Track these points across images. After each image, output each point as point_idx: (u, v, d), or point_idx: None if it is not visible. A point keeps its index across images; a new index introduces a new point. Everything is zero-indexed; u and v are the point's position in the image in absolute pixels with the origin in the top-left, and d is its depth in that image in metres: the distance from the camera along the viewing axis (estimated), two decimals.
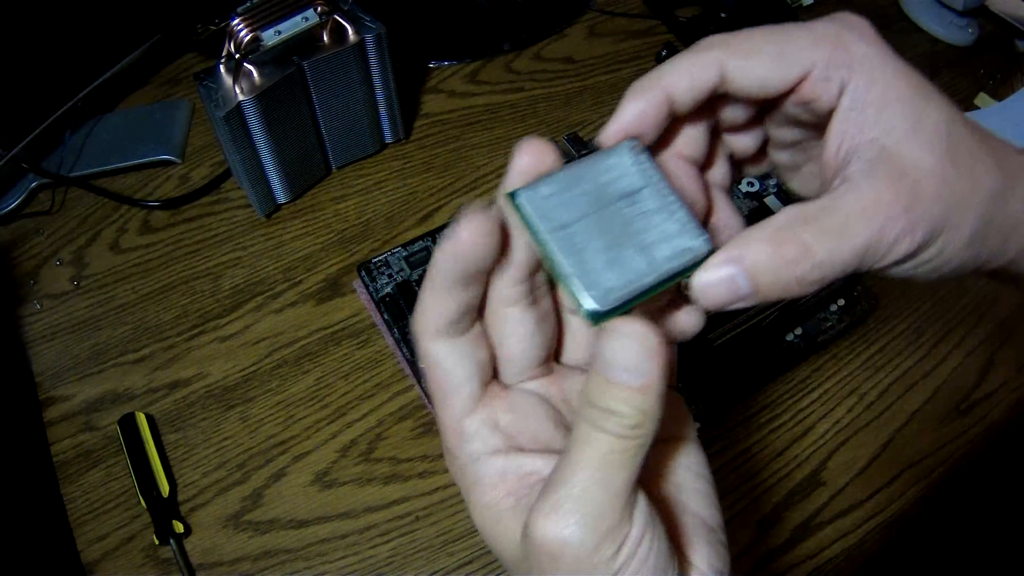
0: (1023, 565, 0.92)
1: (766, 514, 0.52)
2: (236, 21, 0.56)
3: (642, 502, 0.21)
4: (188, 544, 0.50)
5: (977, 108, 0.76)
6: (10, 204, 0.65)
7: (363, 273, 0.61)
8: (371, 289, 0.60)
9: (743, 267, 0.21)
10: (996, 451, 0.57)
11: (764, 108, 0.26)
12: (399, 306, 0.58)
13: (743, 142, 0.27)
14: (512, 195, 0.21)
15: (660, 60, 0.76)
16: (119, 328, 0.59)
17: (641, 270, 0.21)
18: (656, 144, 0.24)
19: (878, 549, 0.52)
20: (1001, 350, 0.60)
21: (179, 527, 0.49)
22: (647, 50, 0.78)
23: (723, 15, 0.77)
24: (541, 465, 0.23)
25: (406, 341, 0.57)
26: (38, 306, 0.61)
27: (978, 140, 0.24)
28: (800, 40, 0.24)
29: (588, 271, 0.20)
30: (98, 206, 0.66)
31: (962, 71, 0.79)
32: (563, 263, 0.20)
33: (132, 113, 0.72)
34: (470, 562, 0.50)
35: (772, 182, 0.66)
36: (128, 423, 0.53)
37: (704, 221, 0.25)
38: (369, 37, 0.59)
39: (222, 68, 0.57)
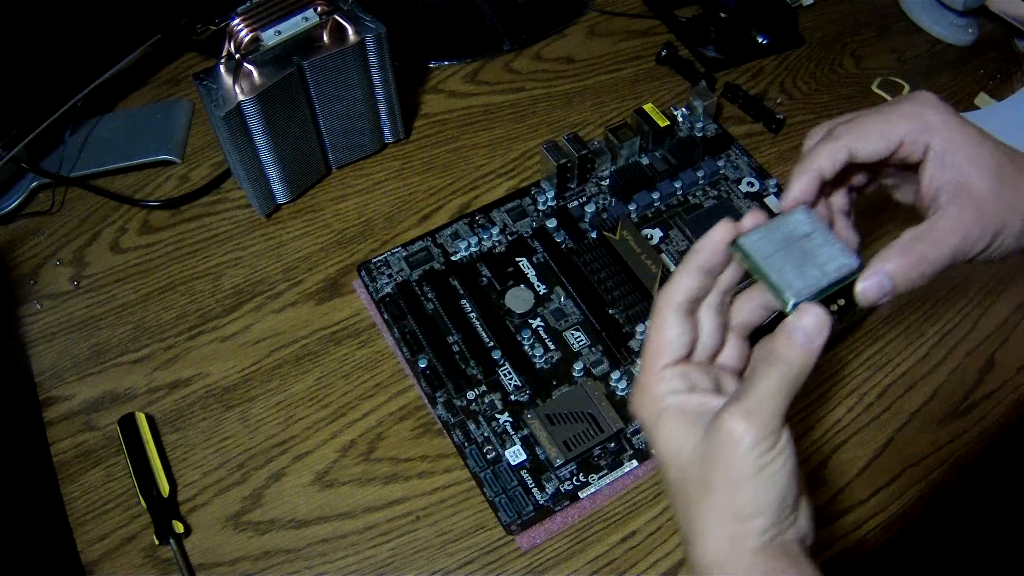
0: (1023, 565, 0.92)
1: None
2: (236, 21, 0.56)
3: (786, 428, 0.32)
4: (188, 544, 0.50)
5: (977, 108, 0.76)
6: (10, 204, 0.65)
7: (363, 273, 0.61)
8: (371, 289, 0.60)
9: (887, 273, 0.35)
10: (996, 451, 0.57)
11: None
12: (399, 306, 0.58)
13: (859, 180, 0.41)
14: (735, 242, 0.35)
15: (660, 60, 0.76)
16: (119, 328, 0.59)
17: (818, 278, 0.34)
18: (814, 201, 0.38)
19: (878, 549, 0.52)
20: (1001, 350, 0.60)
21: (179, 527, 0.49)
22: (647, 50, 0.78)
23: (723, 15, 0.77)
24: (710, 401, 0.34)
25: (406, 341, 0.57)
26: (38, 306, 0.61)
27: (1016, 163, 0.37)
28: (895, 120, 0.37)
29: (786, 280, 0.34)
30: (98, 206, 0.66)
31: (962, 71, 0.79)
32: (772, 276, 0.34)
33: (132, 113, 0.72)
34: (470, 562, 0.50)
35: (772, 182, 0.66)
36: (128, 423, 0.53)
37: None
38: (369, 37, 0.59)
39: (222, 68, 0.57)
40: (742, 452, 0.31)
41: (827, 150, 0.37)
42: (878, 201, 0.47)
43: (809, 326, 0.32)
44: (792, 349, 0.32)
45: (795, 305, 0.33)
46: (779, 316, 0.35)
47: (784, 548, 0.32)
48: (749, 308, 0.38)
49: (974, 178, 0.36)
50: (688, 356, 0.36)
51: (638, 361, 0.56)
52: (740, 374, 0.38)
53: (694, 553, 0.33)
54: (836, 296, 0.34)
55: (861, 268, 0.35)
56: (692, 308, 0.36)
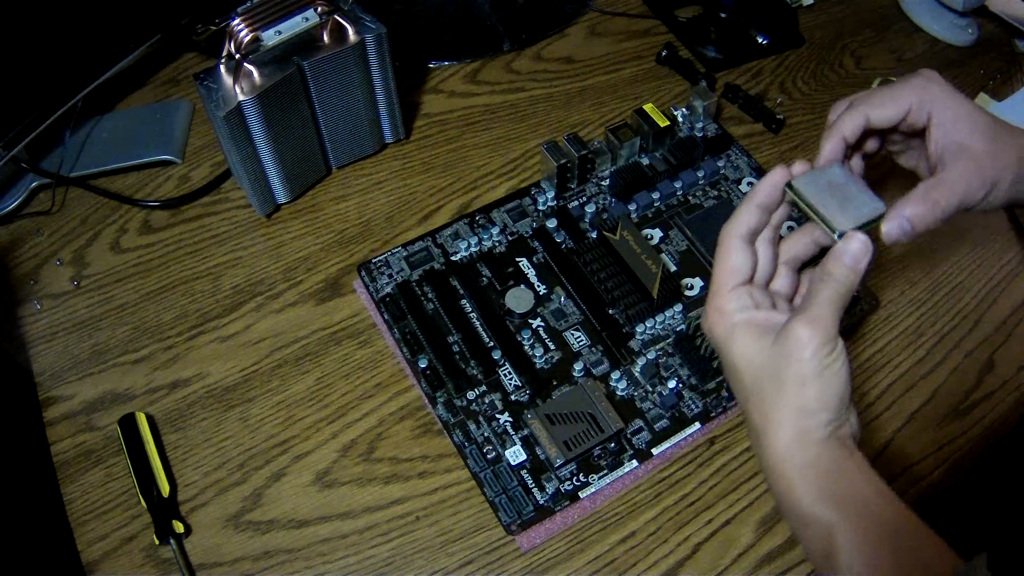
0: (1023, 565, 0.92)
1: (766, 514, 0.52)
2: (236, 21, 0.56)
3: (840, 339, 0.38)
4: (188, 544, 0.50)
5: None
6: (10, 204, 0.65)
7: (363, 273, 0.61)
8: (371, 289, 0.60)
9: (906, 217, 0.42)
10: (996, 451, 0.57)
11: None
12: (399, 306, 0.58)
13: (871, 146, 0.48)
14: (790, 184, 0.42)
15: (660, 60, 0.76)
16: (119, 328, 0.59)
17: (857, 215, 0.41)
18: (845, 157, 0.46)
19: None
20: (1001, 350, 0.60)
21: (179, 527, 0.49)
22: (647, 50, 0.78)
23: (723, 15, 0.77)
24: (774, 316, 0.41)
25: (406, 341, 0.57)
26: (38, 306, 0.61)
27: (1007, 129, 0.45)
28: (904, 92, 0.44)
29: (833, 215, 0.41)
30: (98, 206, 0.66)
31: (962, 71, 0.79)
32: (822, 211, 0.41)
33: (132, 113, 0.72)
34: (470, 562, 0.50)
35: None
36: (128, 423, 0.53)
37: None
38: (369, 37, 0.59)
39: (222, 68, 0.57)
40: (809, 354, 0.37)
41: (849, 117, 0.44)
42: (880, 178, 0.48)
43: (856, 249, 0.39)
44: (842, 269, 0.39)
45: (842, 234, 0.41)
46: (822, 252, 0.43)
47: (842, 441, 0.38)
48: (800, 243, 0.44)
49: (973, 141, 0.43)
50: (751, 280, 0.42)
51: (638, 361, 0.56)
52: (790, 300, 0.44)
53: (767, 448, 0.39)
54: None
55: (886, 211, 0.42)
56: (751, 239, 0.43)
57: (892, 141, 0.49)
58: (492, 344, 0.56)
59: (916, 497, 0.53)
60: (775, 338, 0.39)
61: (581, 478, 0.51)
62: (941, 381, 0.58)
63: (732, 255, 0.42)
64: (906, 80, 0.45)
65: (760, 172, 0.67)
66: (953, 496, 0.55)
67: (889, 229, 0.42)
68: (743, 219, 0.42)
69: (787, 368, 0.38)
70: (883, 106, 0.44)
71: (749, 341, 0.40)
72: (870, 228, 0.42)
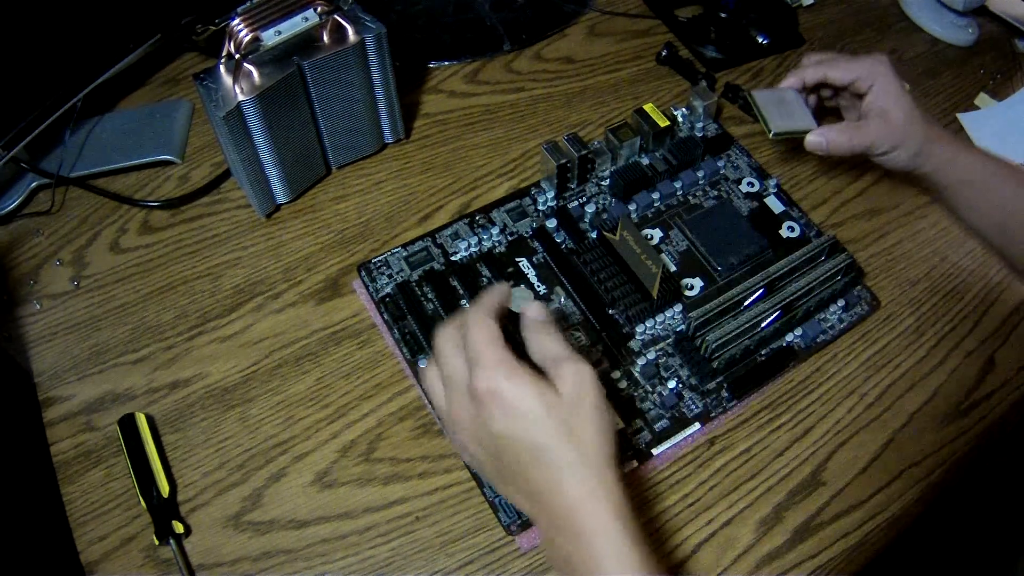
0: (1023, 565, 0.92)
1: (766, 514, 0.52)
2: (236, 21, 0.56)
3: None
4: (188, 544, 0.50)
5: (977, 108, 0.76)
6: (10, 204, 0.65)
7: (363, 273, 0.61)
8: (371, 289, 0.60)
9: (826, 138, 0.60)
10: (996, 451, 0.57)
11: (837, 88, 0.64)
12: (399, 306, 0.58)
13: (827, 93, 0.66)
14: (750, 92, 0.61)
15: (660, 60, 0.76)
16: (119, 328, 0.59)
17: (789, 124, 0.60)
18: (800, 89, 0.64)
19: (878, 549, 0.52)
20: (1001, 350, 0.60)
21: (179, 527, 0.49)
22: (647, 50, 0.78)
23: (723, 15, 0.77)
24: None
25: (406, 341, 0.57)
26: (38, 306, 0.61)
27: (922, 117, 0.60)
28: (857, 65, 0.60)
29: (773, 119, 0.59)
30: (98, 206, 0.66)
31: (962, 71, 0.79)
32: (765, 114, 0.60)
33: (132, 113, 0.72)
34: (470, 562, 0.50)
35: (772, 182, 0.66)
36: (128, 423, 0.53)
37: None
38: (369, 37, 0.59)
39: (222, 68, 0.57)
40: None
41: (811, 70, 0.62)
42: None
43: (533, 310, 0.45)
44: (531, 322, 0.45)
45: (776, 133, 0.59)
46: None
47: None
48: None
49: (892, 112, 0.59)
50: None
51: (638, 361, 0.56)
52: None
53: None
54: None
55: (814, 129, 0.60)
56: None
57: (842, 96, 0.65)
58: None
59: (916, 497, 0.53)
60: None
61: None
62: (941, 381, 0.58)
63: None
64: (862, 57, 0.61)
65: (760, 172, 0.67)
66: (953, 496, 0.56)
67: (811, 139, 0.60)
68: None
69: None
70: (839, 70, 0.61)
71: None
72: (795, 137, 0.60)
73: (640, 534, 0.39)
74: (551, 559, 0.42)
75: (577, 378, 0.41)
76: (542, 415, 0.39)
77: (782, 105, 0.60)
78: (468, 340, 0.41)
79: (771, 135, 0.59)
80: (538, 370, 0.42)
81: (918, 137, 0.59)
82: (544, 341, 0.43)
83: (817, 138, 0.59)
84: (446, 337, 0.43)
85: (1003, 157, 0.61)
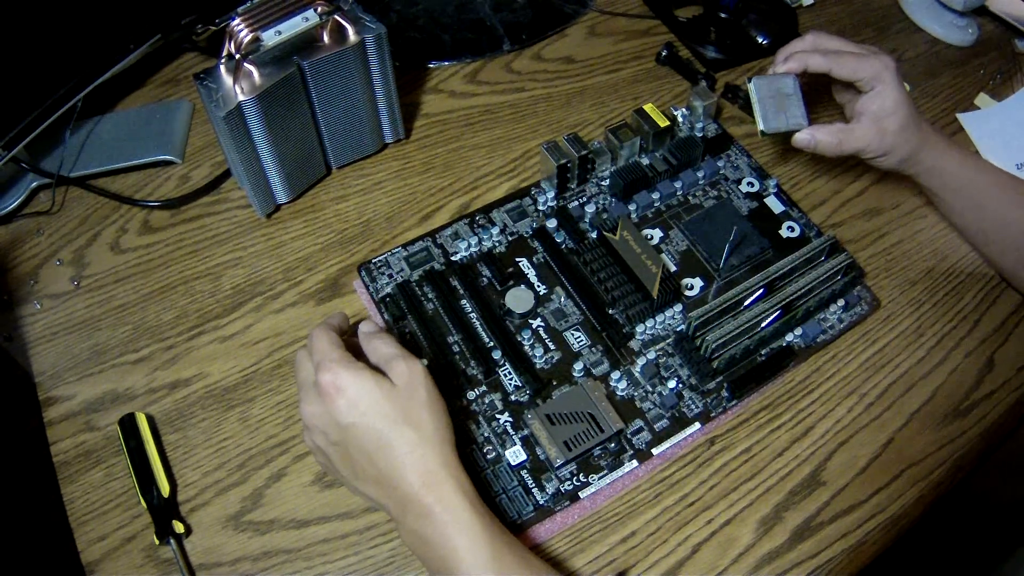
0: (1022, 565, 0.92)
1: (766, 514, 0.52)
2: (236, 21, 0.56)
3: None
4: (188, 544, 0.50)
5: (977, 108, 0.76)
6: (10, 204, 0.65)
7: (363, 273, 0.61)
8: (371, 289, 0.60)
9: (815, 137, 0.59)
10: (996, 451, 0.57)
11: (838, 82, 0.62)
12: (399, 306, 0.58)
13: (824, 79, 0.62)
14: (752, 80, 0.60)
15: (660, 60, 0.76)
16: (119, 328, 0.59)
17: (780, 123, 0.60)
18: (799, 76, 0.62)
19: (878, 549, 0.52)
20: (1000, 350, 0.60)
21: (179, 527, 0.49)
22: (647, 50, 0.78)
23: (723, 15, 0.77)
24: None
25: (406, 341, 0.57)
26: (38, 306, 0.61)
27: (917, 126, 0.59)
28: (863, 66, 0.58)
29: (766, 117, 0.59)
30: (98, 206, 0.66)
31: (962, 71, 0.79)
32: (758, 110, 0.60)
33: (132, 113, 0.72)
34: None
35: (772, 182, 0.66)
36: (128, 423, 0.53)
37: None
38: (369, 37, 0.59)
39: (222, 68, 0.57)
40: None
41: (816, 59, 0.59)
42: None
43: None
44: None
45: (763, 132, 0.59)
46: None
47: None
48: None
49: (888, 118, 0.59)
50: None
51: (638, 361, 0.56)
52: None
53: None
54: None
55: (807, 127, 0.60)
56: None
57: (844, 86, 0.63)
58: (492, 344, 0.56)
59: (916, 497, 0.53)
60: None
61: (581, 478, 0.51)
62: (941, 381, 0.58)
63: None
64: (869, 57, 0.59)
65: (760, 172, 0.67)
66: (953, 496, 0.56)
67: (799, 137, 0.60)
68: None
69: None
70: (845, 69, 0.59)
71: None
72: (787, 134, 0.60)
73: (483, 507, 0.43)
74: (406, 541, 0.44)
75: (409, 372, 0.45)
76: (381, 401, 0.43)
77: (779, 98, 0.59)
78: (312, 347, 0.46)
79: (760, 134, 0.59)
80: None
81: (909, 145, 0.59)
82: (377, 344, 0.47)
83: (806, 136, 0.59)
84: (300, 356, 0.48)
85: (996, 165, 0.62)
